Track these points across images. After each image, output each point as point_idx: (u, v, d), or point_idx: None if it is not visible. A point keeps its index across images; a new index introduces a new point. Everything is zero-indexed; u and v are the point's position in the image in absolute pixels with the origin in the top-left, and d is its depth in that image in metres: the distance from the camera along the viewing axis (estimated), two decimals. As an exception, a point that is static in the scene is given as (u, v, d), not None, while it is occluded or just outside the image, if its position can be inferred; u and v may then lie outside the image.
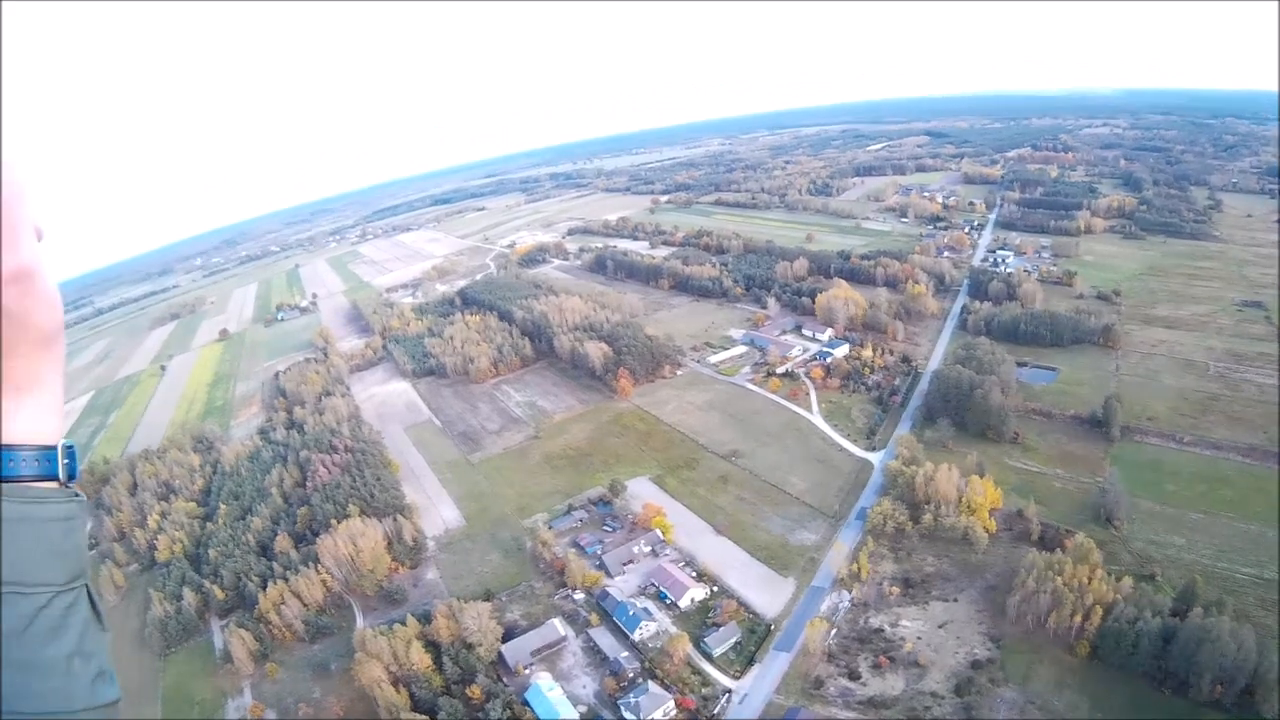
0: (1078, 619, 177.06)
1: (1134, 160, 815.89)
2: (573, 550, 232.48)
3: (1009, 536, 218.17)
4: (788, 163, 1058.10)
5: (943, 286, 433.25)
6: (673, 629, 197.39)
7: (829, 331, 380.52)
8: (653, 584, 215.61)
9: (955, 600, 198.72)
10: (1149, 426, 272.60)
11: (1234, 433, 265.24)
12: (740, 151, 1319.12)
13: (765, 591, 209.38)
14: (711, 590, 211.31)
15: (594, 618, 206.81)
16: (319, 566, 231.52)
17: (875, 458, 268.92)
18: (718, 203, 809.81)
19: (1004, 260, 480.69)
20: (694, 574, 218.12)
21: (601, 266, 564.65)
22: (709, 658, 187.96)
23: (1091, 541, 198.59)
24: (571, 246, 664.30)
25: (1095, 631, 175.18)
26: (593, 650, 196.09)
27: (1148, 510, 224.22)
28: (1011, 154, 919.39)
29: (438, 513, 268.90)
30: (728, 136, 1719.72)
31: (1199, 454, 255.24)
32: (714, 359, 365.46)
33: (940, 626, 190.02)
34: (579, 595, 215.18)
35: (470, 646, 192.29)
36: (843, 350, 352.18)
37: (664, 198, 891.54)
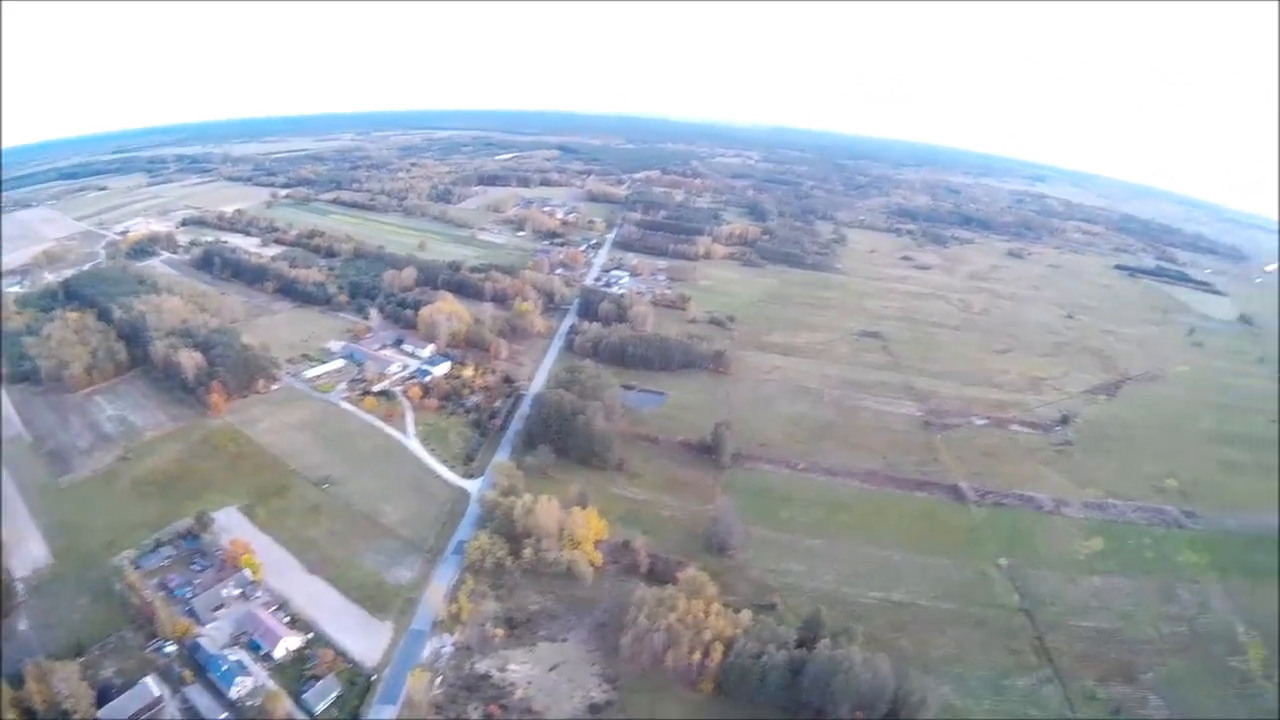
0: (697, 656, 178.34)
1: (763, 191, 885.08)
2: (161, 594, 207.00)
3: (617, 569, 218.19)
4: (414, 165, 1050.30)
5: (552, 305, 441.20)
6: (270, 684, 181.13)
7: (430, 348, 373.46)
8: (245, 632, 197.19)
9: (564, 640, 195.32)
10: (762, 452, 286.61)
11: (851, 458, 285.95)
12: (370, 149, 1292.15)
13: (363, 637, 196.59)
14: (307, 638, 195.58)
15: (188, 674, 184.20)
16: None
17: (473, 486, 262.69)
18: (336, 201, 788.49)
19: (618, 281, 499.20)
20: (287, 619, 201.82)
21: (209, 263, 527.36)
22: (311, 715, 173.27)
23: (705, 575, 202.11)
24: (183, 239, 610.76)
25: (718, 668, 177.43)
26: (191, 712, 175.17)
27: (763, 538, 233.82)
28: (640, 175, 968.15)
29: (27, 549, 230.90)
30: (361, 132, 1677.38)
31: (815, 479, 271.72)
32: (311, 373, 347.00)
33: (551, 669, 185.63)
34: (170, 648, 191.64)
35: (66, 714, 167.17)
36: (443, 368, 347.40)
37: (284, 192, 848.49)
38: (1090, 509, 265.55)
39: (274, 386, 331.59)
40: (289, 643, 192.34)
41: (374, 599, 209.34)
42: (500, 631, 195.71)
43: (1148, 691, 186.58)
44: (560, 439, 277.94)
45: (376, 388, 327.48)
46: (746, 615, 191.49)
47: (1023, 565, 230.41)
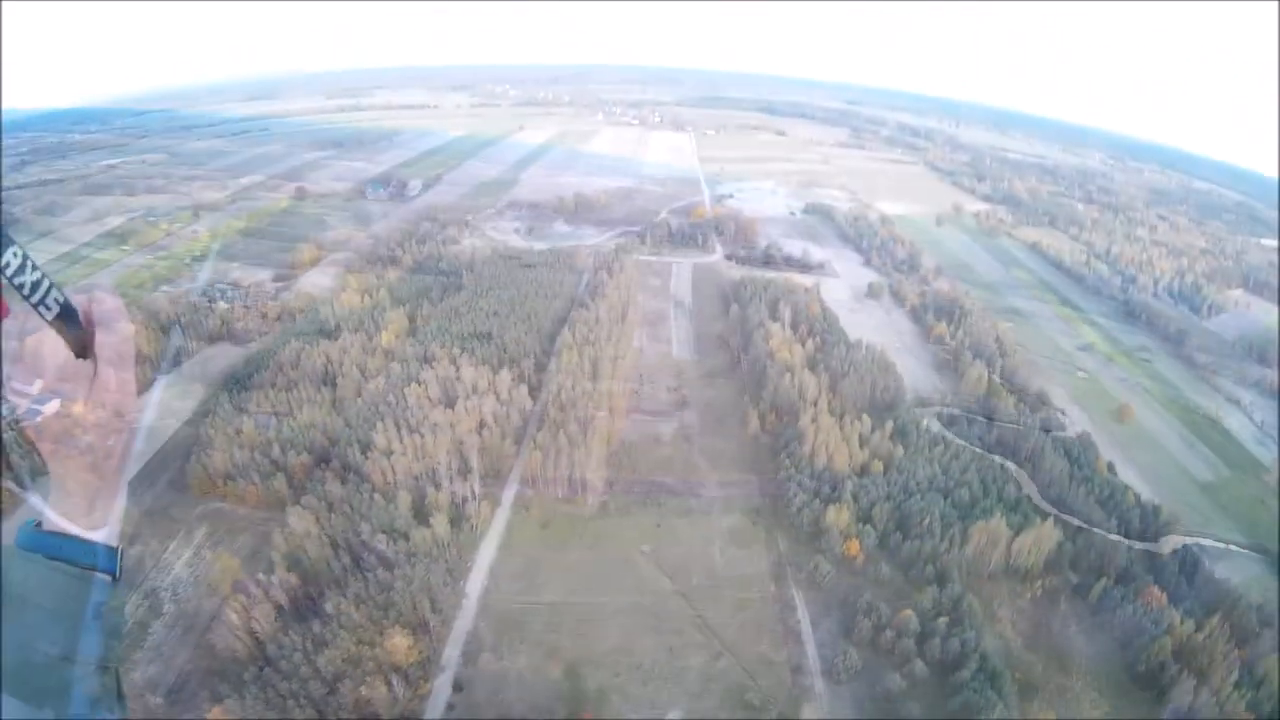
0: (364, 690, 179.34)
1: (372, 197, 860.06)
2: None
3: (263, 611, 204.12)
4: (15, 172, 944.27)
5: (158, 324, 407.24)
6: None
7: (39, 384, 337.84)
8: None
9: (230, 698, 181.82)
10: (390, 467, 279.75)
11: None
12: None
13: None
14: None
15: None
16: None
17: (97, 538, 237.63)
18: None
19: (222, 294, 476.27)
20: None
21: None
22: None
23: (351, 604, 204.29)
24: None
25: (387, 698, 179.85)
26: None
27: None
28: (245, 181, 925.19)
29: None
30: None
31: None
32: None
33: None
34: None
35: None
36: (53, 406, 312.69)
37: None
38: (725, 487, 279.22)
39: None
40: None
41: (26, 686, 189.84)
42: (160, 701, 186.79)
43: (820, 647, 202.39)
44: (179, 474, 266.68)
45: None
46: (403, 640, 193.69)
47: (667, 549, 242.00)
